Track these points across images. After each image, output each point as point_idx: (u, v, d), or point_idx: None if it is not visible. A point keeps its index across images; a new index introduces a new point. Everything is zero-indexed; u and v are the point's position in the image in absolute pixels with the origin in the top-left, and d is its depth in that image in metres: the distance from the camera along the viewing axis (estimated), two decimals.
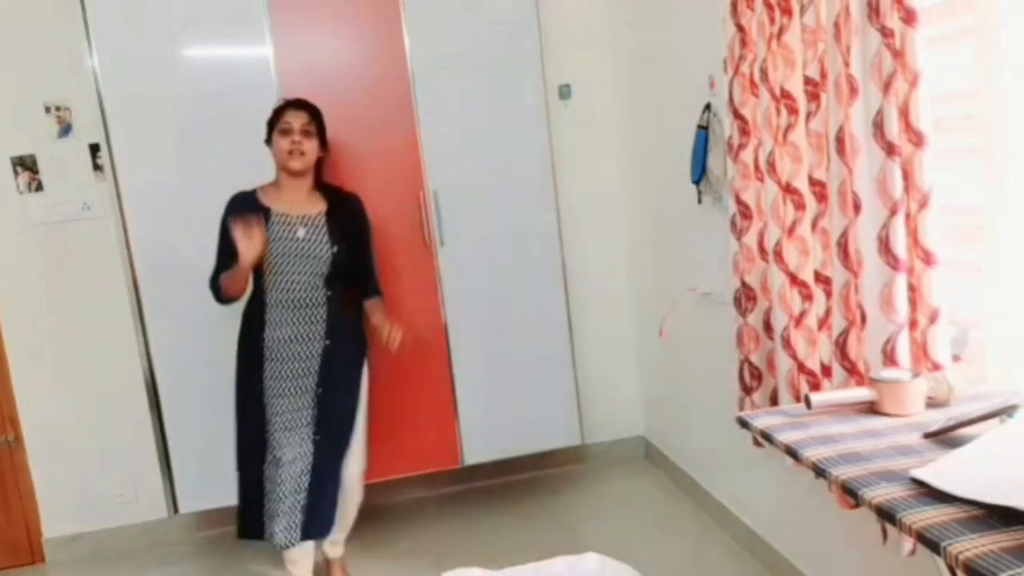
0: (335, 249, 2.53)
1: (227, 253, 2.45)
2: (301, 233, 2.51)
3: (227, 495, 3.02)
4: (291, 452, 2.53)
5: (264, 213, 2.49)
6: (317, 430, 2.56)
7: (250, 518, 2.60)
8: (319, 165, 2.62)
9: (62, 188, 3.11)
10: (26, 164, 3.09)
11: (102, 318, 3.16)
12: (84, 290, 3.17)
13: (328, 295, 2.55)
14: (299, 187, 2.57)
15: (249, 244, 2.35)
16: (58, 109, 3.09)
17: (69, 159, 3.11)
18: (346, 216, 2.60)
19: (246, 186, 2.91)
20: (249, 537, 2.63)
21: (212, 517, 3.31)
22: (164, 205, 2.89)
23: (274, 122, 2.55)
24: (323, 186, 2.64)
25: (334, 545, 2.78)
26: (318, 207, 2.57)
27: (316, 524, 2.58)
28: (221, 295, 2.51)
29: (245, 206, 2.50)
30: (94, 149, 3.11)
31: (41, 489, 3.25)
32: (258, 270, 2.51)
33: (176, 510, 3.02)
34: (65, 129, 3.10)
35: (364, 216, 2.67)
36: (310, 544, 2.66)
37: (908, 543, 1.63)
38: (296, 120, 2.52)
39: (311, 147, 2.53)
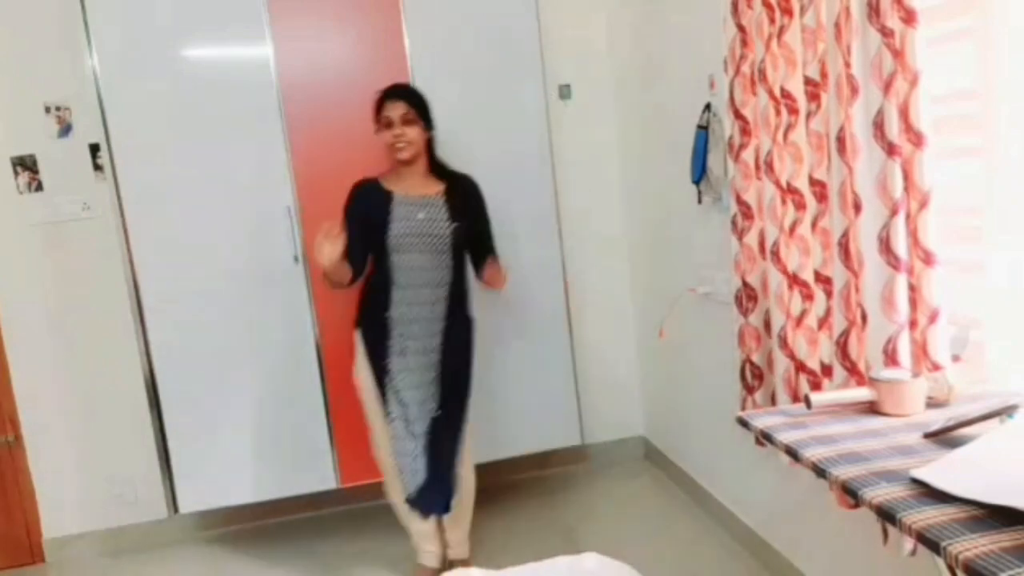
0: (454, 226, 2.55)
1: (352, 240, 2.46)
2: (422, 214, 2.53)
3: (227, 495, 3.04)
4: (420, 426, 2.59)
5: (386, 196, 2.53)
6: (440, 406, 2.61)
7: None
8: (429, 145, 2.63)
9: (62, 188, 3.12)
10: (26, 164, 3.09)
11: (102, 318, 3.16)
12: (84, 290, 3.17)
13: (450, 276, 2.58)
14: (413, 172, 2.59)
15: (327, 248, 2.33)
16: (58, 109, 3.09)
17: (69, 159, 3.11)
18: (462, 195, 2.62)
19: (245, 186, 2.93)
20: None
21: (212, 517, 3.32)
22: (164, 205, 2.88)
23: (376, 114, 2.55)
24: (437, 167, 2.65)
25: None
26: (435, 188, 2.60)
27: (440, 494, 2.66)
28: (333, 285, 2.53)
29: (370, 191, 2.55)
30: (94, 149, 3.11)
31: (41, 489, 3.25)
32: (379, 252, 2.54)
33: (176, 510, 3.02)
34: (65, 129, 3.10)
35: (479, 194, 2.68)
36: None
37: (909, 543, 1.63)
38: (394, 111, 2.51)
39: (415, 134, 2.54)
